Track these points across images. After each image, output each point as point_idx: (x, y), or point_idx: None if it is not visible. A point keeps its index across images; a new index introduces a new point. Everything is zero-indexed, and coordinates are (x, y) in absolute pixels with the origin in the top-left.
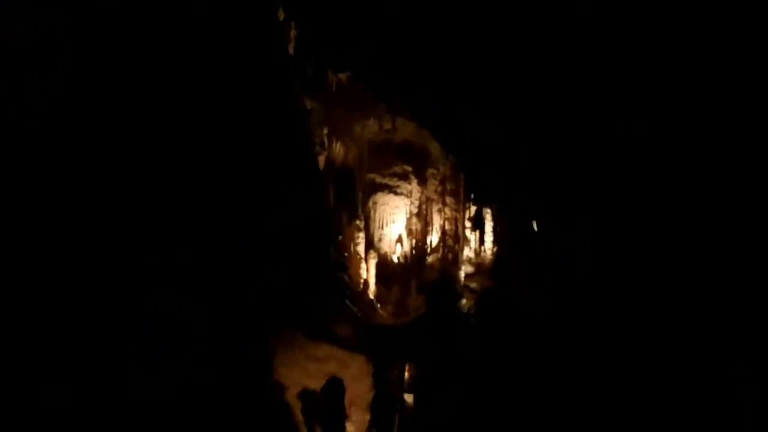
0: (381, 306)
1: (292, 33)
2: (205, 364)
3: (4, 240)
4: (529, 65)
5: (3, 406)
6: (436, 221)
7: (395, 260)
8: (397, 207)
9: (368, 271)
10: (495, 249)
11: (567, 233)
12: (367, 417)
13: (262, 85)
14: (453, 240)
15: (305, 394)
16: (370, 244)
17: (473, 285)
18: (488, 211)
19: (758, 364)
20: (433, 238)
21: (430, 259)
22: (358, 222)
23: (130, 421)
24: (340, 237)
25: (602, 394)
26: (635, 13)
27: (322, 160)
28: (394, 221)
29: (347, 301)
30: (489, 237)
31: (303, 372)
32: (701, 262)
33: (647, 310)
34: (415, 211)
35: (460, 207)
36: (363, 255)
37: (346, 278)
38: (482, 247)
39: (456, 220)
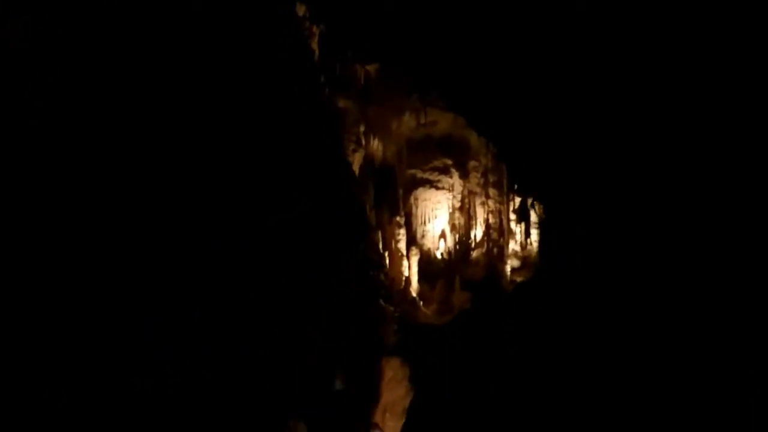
0: (424, 304)
1: (315, 28)
2: (205, 364)
3: (4, 239)
4: (567, 49)
5: (3, 406)
6: (480, 215)
7: (438, 256)
8: (439, 202)
9: (410, 269)
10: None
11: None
12: (401, 423)
13: (289, 85)
14: (498, 233)
15: None
16: (411, 241)
17: (520, 279)
18: (534, 202)
19: (759, 364)
20: (477, 233)
21: (474, 254)
22: (398, 218)
23: (131, 421)
24: (378, 234)
25: (644, 394)
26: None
27: (359, 157)
28: (437, 217)
29: (381, 301)
30: (534, 229)
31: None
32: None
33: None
34: (457, 205)
35: (504, 199)
36: (404, 252)
37: (382, 277)
38: (528, 240)
39: (500, 212)
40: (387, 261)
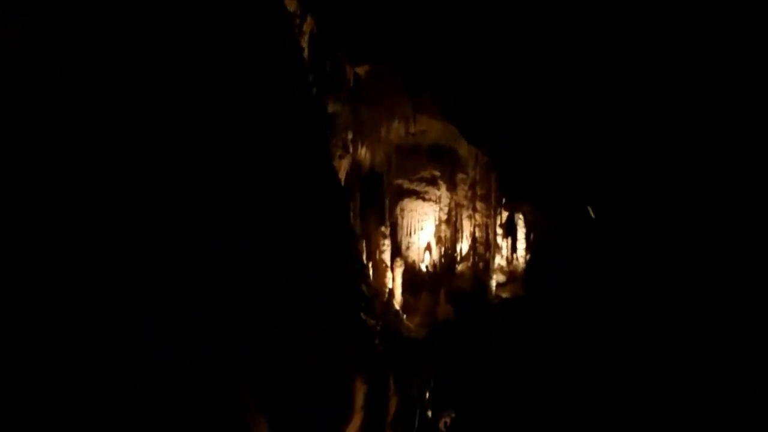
0: (408, 317)
1: (306, 25)
2: (205, 363)
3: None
4: (564, 58)
5: (2, 406)
6: (466, 228)
7: (423, 269)
8: (425, 213)
9: (394, 280)
10: (527, 256)
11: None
12: None
13: (275, 83)
14: (484, 247)
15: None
16: (396, 252)
17: (505, 294)
18: (520, 216)
19: (759, 364)
20: (463, 246)
21: (460, 267)
22: (383, 229)
23: (130, 421)
24: (362, 244)
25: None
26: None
27: (346, 164)
28: (423, 228)
29: (362, 314)
30: (521, 244)
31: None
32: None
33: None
34: (444, 217)
35: (491, 213)
36: (389, 263)
37: (365, 288)
38: (514, 255)
39: (487, 226)
40: (371, 271)
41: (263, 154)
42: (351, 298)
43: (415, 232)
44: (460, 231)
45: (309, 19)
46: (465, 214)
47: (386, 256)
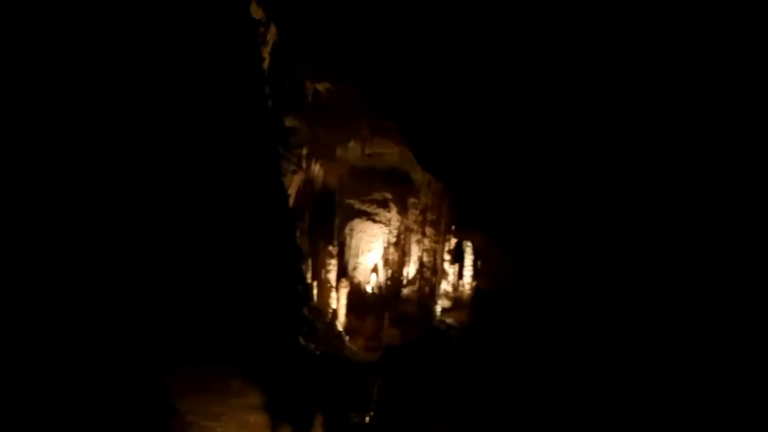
0: (351, 339)
1: (270, 35)
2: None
3: None
4: (522, 84)
5: None
6: (415, 252)
7: (369, 290)
8: (375, 235)
9: (338, 301)
10: (474, 283)
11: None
12: None
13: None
14: (431, 272)
15: None
16: (343, 272)
17: (449, 320)
18: (469, 244)
19: (759, 364)
20: (411, 270)
21: (406, 291)
22: (331, 248)
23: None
24: (308, 262)
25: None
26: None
27: (298, 180)
28: (371, 250)
29: (302, 339)
30: (468, 271)
31: (241, 426)
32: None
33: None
34: (393, 240)
35: (440, 238)
36: (334, 283)
37: (306, 311)
38: (461, 281)
39: (435, 252)
40: (315, 291)
41: (208, 161)
42: (291, 321)
43: (363, 253)
44: (408, 255)
45: (273, 29)
46: (414, 238)
47: (332, 276)
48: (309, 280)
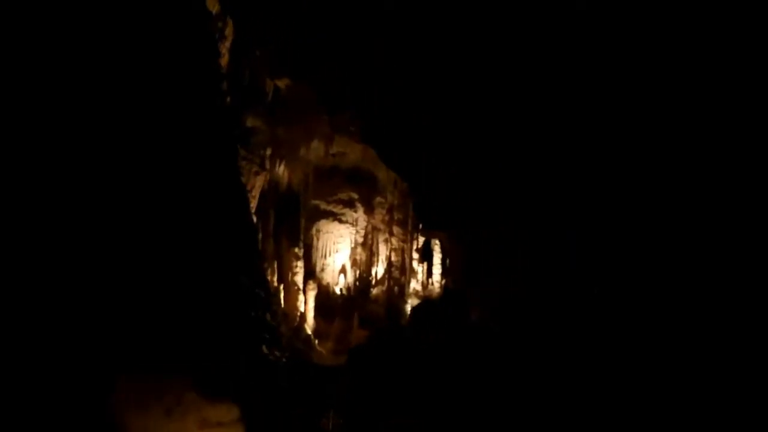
0: (320, 342)
1: (229, 30)
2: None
3: None
4: (490, 80)
5: None
6: (382, 252)
7: (338, 291)
8: (341, 236)
9: (306, 304)
10: (443, 282)
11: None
12: None
13: (188, 87)
14: (399, 272)
15: None
16: (309, 274)
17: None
18: (437, 242)
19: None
20: (379, 270)
21: (374, 291)
22: (296, 250)
23: None
24: (274, 265)
25: None
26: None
27: (261, 180)
28: (338, 251)
29: (264, 347)
30: (437, 269)
31: None
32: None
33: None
34: (360, 240)
35: (408, 237)
36: (301, 285)
37: (269, 317)
38: (430, 280)
39: (403, 251)
40: (282, 294)
41: (162, 162)
42: (252, 329)
43: (330, 255)
44: (376, 254)
45: (231, 24)
46: (381, 237)
47: (299, 279)
48: (275, 284)
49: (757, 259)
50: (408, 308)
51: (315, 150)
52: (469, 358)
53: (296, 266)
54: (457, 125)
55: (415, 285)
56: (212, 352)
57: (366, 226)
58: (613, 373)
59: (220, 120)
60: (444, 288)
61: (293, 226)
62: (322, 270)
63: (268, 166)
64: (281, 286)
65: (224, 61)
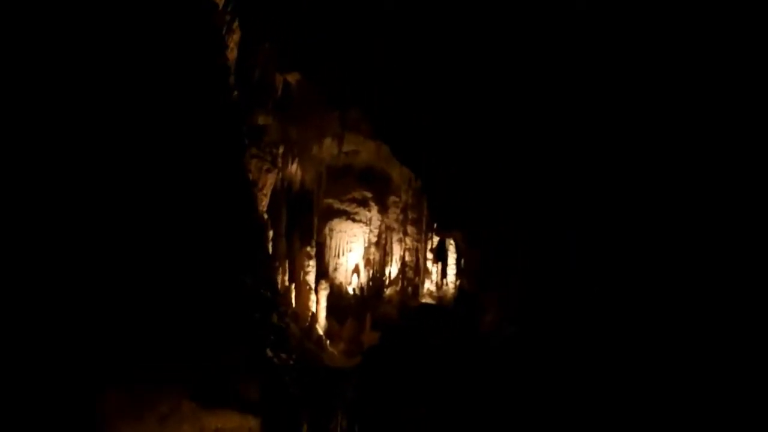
0: (331, 343)
1: (236, 24)
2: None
3: None
4: (503, 78)
5: None
6: (396, 251)
7: (351, 291)
8: (355, 235)
9: (318, 303)
10: (457, 282)
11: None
12: None
13: (196, 84)
14: (413, 272)
15: None
16: (322, 274)
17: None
18: (451, 242)
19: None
20: (393, 270)
21: (388, 291)
22: (308, 249)
23: None
24: (285, 265)
25: None
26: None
27: (272, 178)
28: (351, 250)
29: (269, 349)
30: (452, 269)
31: None
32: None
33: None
34: (374, 240)
35: (422, 237)
36: (313, 285)
37: (275, 318)
38: (444, 280)
39: (417, 251)
40: (293, 294)
41: (168, 158)
42: (256, 331)
43: (343, 254)
44: (389, 254)
45: (240, 18)
46: (395, 237)
47: (311, 278)
48: (286, 283)
49: (758, 259)
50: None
51: (328, 148)
52: (482, 360)
53: (308, 265)
54: (472, 121)
55: (429, 285)
56: (211, 356)
57: (380, 226)
58: (622, 373)
59: (226, 114)
60: (458, 289)
61: (306, 225)
62: (335, 269)
63: (280, 164)
64: (292, 286)
65: (232, 55)
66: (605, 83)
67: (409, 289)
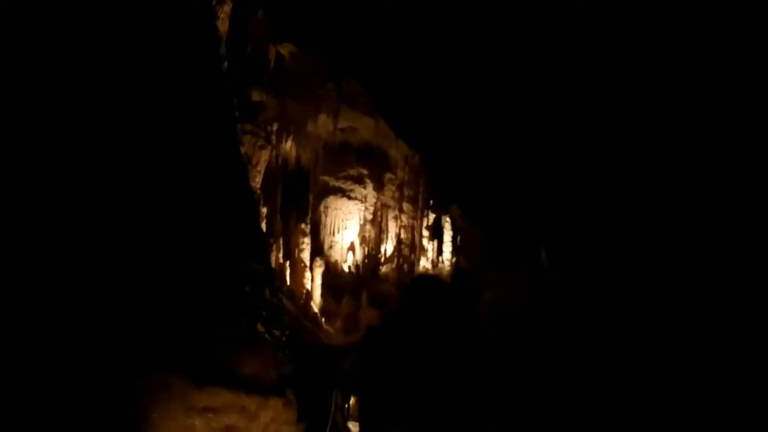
0: (327, 320)
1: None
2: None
3: None
4: (504, 59)
5: None
6: (392, 229)
7: (346, 269)
8: (350, 212)
9: (313, 281)
10: (453, 260)
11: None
12: None
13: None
14: (409, 249)
15: None
16: (317, 252)
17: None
18: (447, 219)
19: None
20: (388, 247)
21: (384, 269)
22: (303, 226)
23: None
24: (280, 242)
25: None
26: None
27: (266, 155)
28: (347, 227)
29: (260, 325)
30: (447, 247)
31: None
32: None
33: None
34: (369, 217)
35: (418, 214)
36: (308, 263)
37: (267, 294)
38: (440, 258)
39: (413, 228)
40: (288, 272)
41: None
42: (248, 307)
43: (338, 231)
44: (385, 232)
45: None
46: (391, 214)
47: (305, 256)
48: (281, 260)
49: (758, 259)
50: None
51: (323, 125)
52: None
53: (303, 243)
54: (472, 92)
55: (425, 263)
56: (201, 331)
57: (375, 203)
58: (618, 372)
59: (216, 87)
60: (455, 266)
61: (302, 203)
62: (330, 247)
63: (274, 140)
64: (287, 263)
65: (223, 26)
66: (615, 73)
67: (405, 266)
